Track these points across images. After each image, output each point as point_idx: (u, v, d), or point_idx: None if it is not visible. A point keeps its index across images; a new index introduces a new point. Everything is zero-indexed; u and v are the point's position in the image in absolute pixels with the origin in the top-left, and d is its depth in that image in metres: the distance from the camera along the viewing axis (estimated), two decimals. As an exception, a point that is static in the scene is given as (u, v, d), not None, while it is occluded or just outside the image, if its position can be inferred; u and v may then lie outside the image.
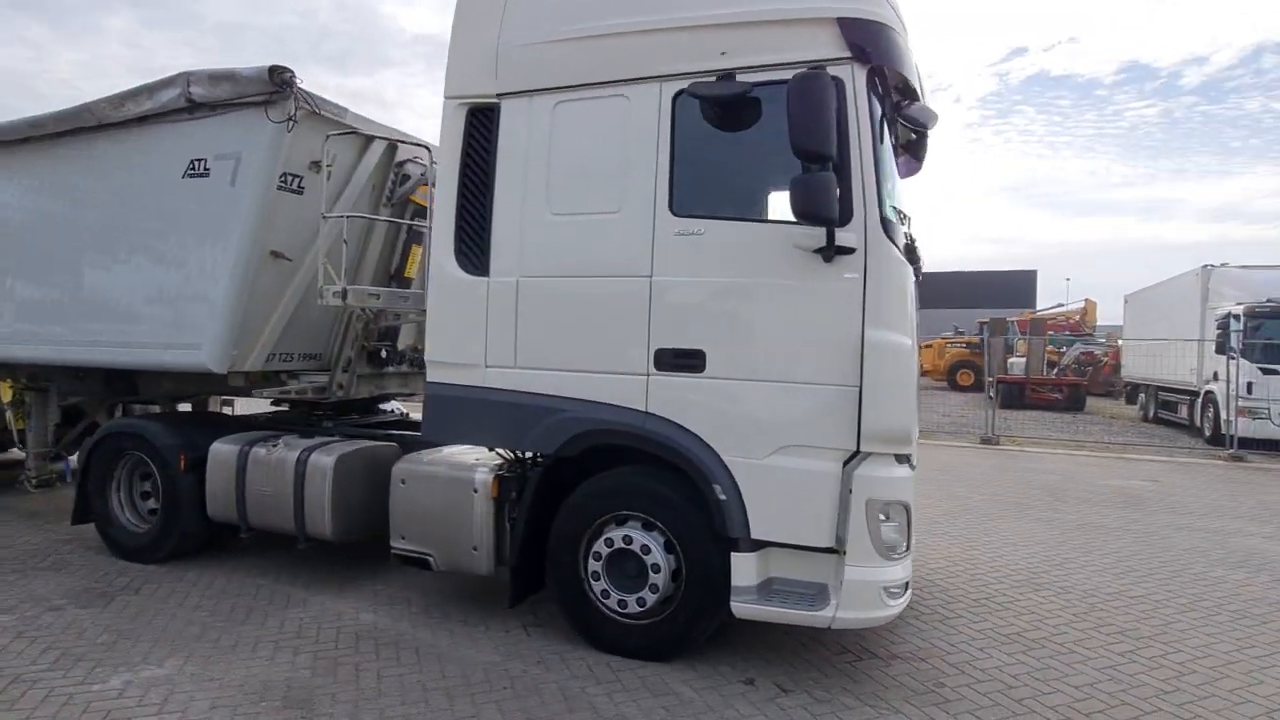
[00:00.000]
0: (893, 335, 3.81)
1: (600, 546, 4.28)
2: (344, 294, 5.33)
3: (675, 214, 4.13)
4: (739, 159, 4.20)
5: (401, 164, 6.23)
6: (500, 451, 4.81)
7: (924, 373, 25.06)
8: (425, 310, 4.86)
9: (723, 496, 3.99)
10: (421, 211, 6.18)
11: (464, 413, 4.64)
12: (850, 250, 3.76)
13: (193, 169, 5.57)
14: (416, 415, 7.01)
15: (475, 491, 4.59)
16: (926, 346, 28.79)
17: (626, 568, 4.27)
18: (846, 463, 3.86)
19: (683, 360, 4.10)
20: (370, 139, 5.96)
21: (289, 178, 5.52)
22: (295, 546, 5.38)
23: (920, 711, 3.79)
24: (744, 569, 3.99)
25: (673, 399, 4.13)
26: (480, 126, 4.62)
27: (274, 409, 6.94)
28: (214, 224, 5.51)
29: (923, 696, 3.95)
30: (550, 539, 4.48)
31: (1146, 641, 4.76)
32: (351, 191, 5.88)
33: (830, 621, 3.85)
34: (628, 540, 4.22)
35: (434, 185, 4.85)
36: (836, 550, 3.92)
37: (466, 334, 4.62)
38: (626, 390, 4.23)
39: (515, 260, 4.49)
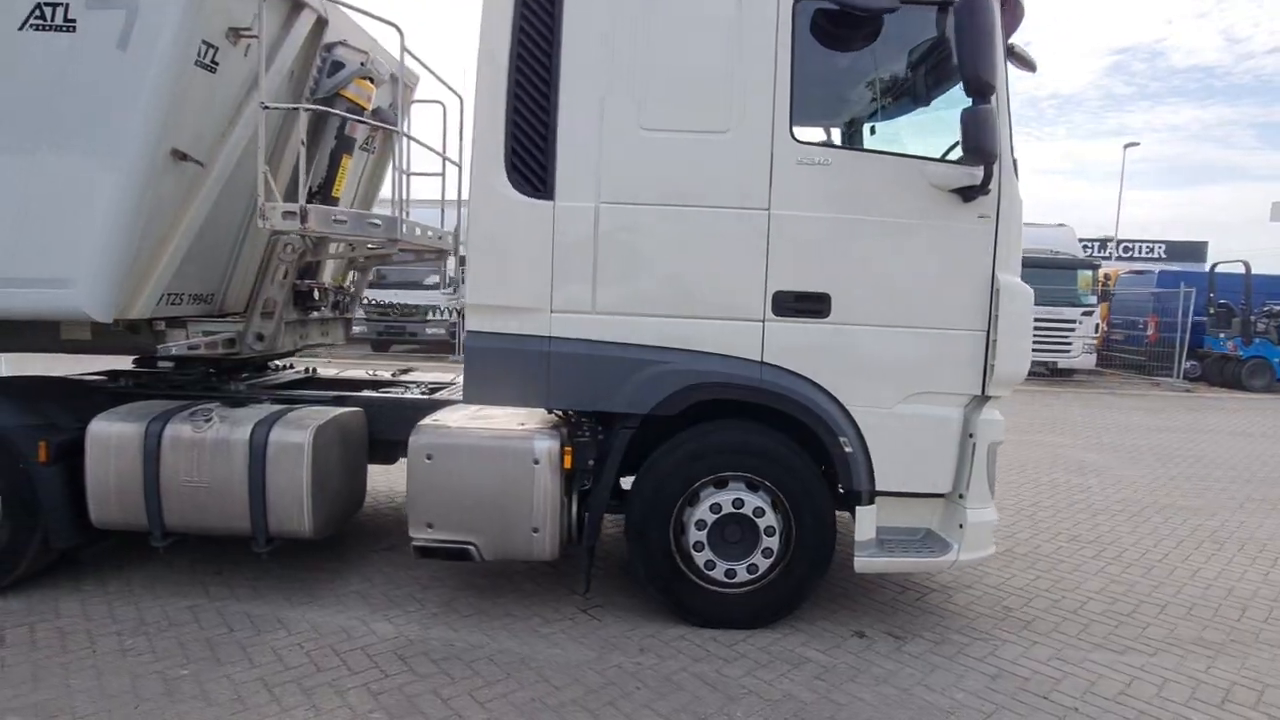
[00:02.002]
0: (1017, 279, 3.80)
1: (703, 513, 3.81)
2: (302, 215, 4.01)
3: (797, 140, 3.66)
4: (868, 82, 3.84)
5: (330, 47, 4.79)
6: (554, 413, 4.03)
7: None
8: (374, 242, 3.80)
9: (848, 449, 3.75)
10: (356, 112, 4.85)
11: (521, 368, 3.78)
12: (987, 190, 3.64)
13: (40, 18, 3.71)
14: (326, 371, 5.72)
15: (536, 463, 3.81)
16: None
17: (727, 533, 3.86)
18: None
19: (805, 304, 3.72)
20: (299, 6, 4.47)
21: (205, 48, 3.94)
22: (152, 546, 4.04)
23: (1021, 636, 3.98)
24: (865, 523, 3.82)
25: (792, 347, 3.74)
26: (540, 1, 3.65)
27: (122, 372, 5.12)
28: (90, 105, 3.76)
29: (1014, 624, 4.16)
30: (633, 509, 3.89)
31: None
32: (271, 79, 4.39)
33: (953, 565, 3.87)
34: (738, 504, 3.81)
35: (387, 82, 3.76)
36: (939, 494, 3.93)
37: (524, 271, 3.74)
38: (738, 338, 3.74)
39: (592, 182, 3.69)
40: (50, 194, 3.79)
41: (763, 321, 3.73)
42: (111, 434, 3.95)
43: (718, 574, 3.85)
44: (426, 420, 4.02)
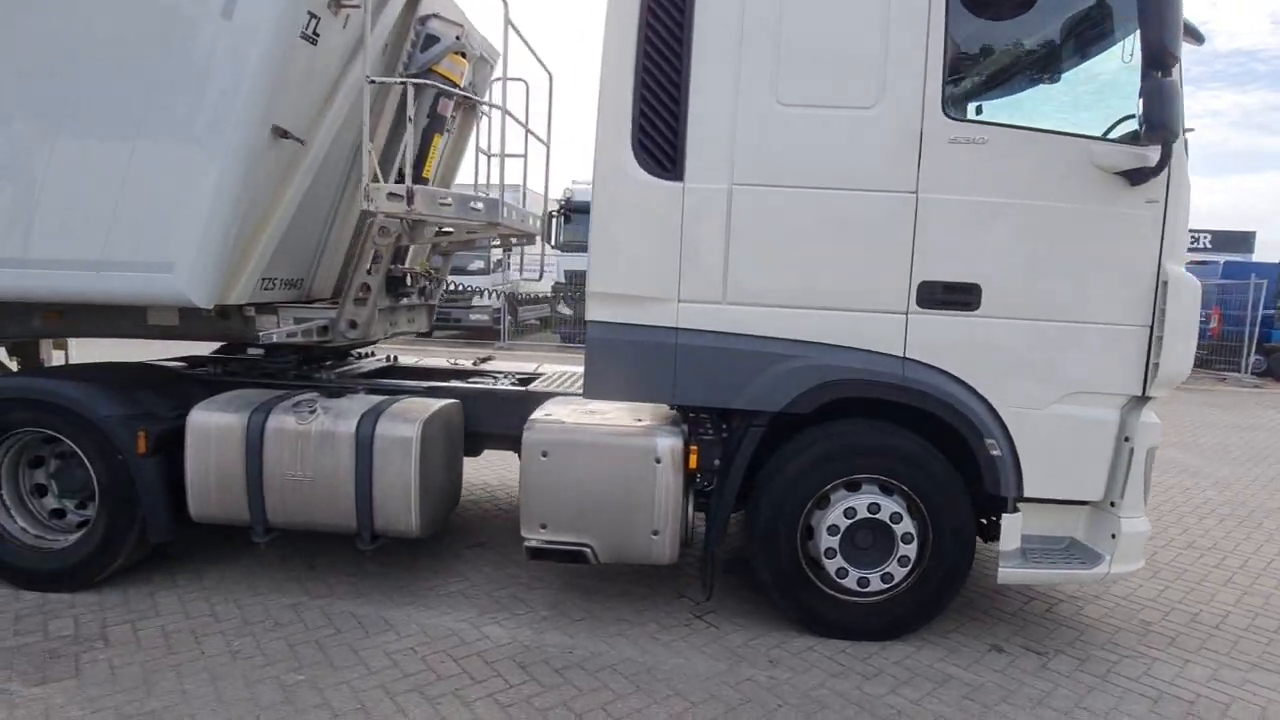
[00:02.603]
0: (1185, 271, 3.49)
1: (835, 518, 3.56)
2: (409, 197, 3.80)
3: (950, 116, 3.37)
4: (1024, 54, 3.54)
5: (424, 20, 4.56)
6: (673, 409, 3.79)
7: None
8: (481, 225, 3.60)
9: (996, 452, 3.48)
10: (446, 90, 4.62)
11: (646, 361, 3.55)
12: (1159, 172, 3.32)
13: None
14: (407, 359, 5.55)
15: (658, 462, 3.59)
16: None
17: (858, 539, 3.62)
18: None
19: (954, 296, 3.44)
20: (396, -23, 4.25)
21: (310, 19, 3.73)
22: (253, 541, 3.90)
23: (1170, 654, 3.71)
24: (1011, 531, 3.55)
25: (938, 342, 3.47)
26: (672, -29, 3.39)
27: (201, 357, 4.98)
28: (192, 77, 3.57)
29: (1158, 639, 3.88)
30: (759, 513, 3.65)
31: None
32: (368, 52, 4.17)
33: (1103, 578, 3.60)
34: (874, 508, 3.56)
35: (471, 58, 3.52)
36: (1088, 502, 3.65)
37: (651, 258, 3.50)
38: (879, 331, 3.48)
39: (725, 161, 3.43)
40: (150, 173, 3.61)
41: (906, 314, 3.46)
42: (212, 425, 3.79)
43: (849, 582, 3.61)
44: (539, 414, 3.81)
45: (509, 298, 15.58)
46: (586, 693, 3.18)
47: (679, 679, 3.31)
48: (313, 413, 3.77)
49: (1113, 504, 3.57)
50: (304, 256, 4.53)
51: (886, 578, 3.61)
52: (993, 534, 3.68)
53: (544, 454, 3.64)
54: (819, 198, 3.43)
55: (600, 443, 3.64)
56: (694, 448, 3.61)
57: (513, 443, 4.75)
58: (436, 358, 5.86)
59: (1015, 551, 3.58)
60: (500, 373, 5.19)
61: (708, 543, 3.67)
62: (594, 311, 3.57)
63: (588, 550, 3.68)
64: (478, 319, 16.15)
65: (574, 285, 15.02)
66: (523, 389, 4.55)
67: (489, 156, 5.25)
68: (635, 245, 3.51)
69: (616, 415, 3.84)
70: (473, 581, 4.24)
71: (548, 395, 4.37)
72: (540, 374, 5.11)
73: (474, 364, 5.53)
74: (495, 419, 4.44)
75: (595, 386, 3.62)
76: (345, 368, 4.98)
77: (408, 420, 3.77)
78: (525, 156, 5.27)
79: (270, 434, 3.75)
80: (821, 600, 3.69)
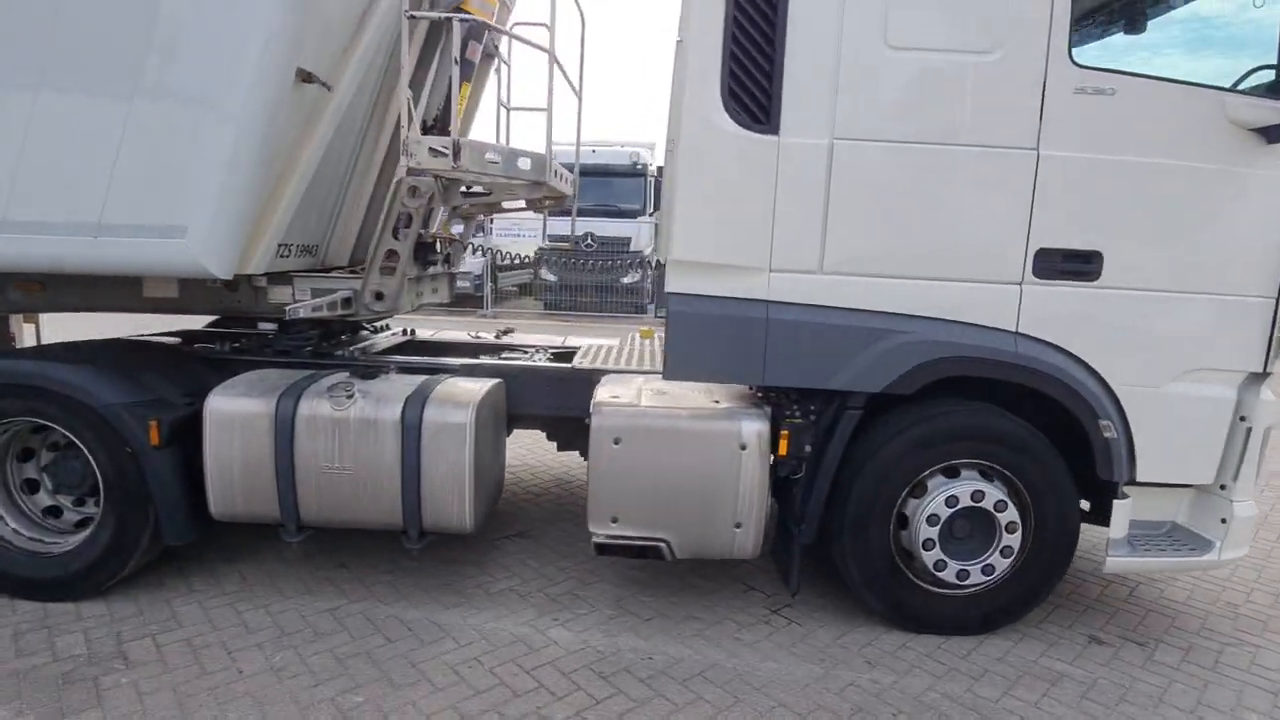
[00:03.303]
0: None
1: (935, 507, 3.28)
2: (455, 151, 3.34)
3: (1076, 64, 3.03)
4: (1158, -6, 3.19)
5: (451, -51, 4.03)
6: (751, 391, 3.46)
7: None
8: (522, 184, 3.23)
9: (1110, 434, 3.22)
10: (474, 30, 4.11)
11: (734, 338, 3.19)
12: (1299, 129, 3.04)
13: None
14: (425, 332, 5.10)
15: (743, 449, 3.25)
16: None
17: (955, 529, 3.34)
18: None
19: (1073, 265, 3.14)
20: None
21: (337, -57, 3.21)
22: (285, 541, 3.50)
23: (1268, 640, 3.54)
24: (1120, 518, 3.32)
25: (1053, 315, 3.17)
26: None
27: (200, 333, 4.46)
28: (206, 10, 3.04)
29: (1250, 623, 3.70)
30: (849, 502, 3.35)
31: None
32: (396, -15, 3.66)
33: (1214, 565, 3.40)
34: (978, 496, 3.28)
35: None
36: (1190, 485, 3.44)
37: (740, 221, 3.12)
38: (990, 303, 3.17)
39: (825, 112, 3.05)
40: (159, 122, 3.09)
41: (1020, 284, 3.15)
42: (235, 412, 3.33)
43: (948, 575, 3.34)
44: (604, 396, 3.44)
45: (491, 264, 14.95)
46: (683, 707, 2.87)
47: (777, 687, 3.02)
48: (350, 397, 3.34)
49: (1223, 487, 3.36)
50: (321, 220, 4.04)
51: (988, 569, 3.35)
52: (1087, 519, 3.45)
53: (616, 441, 3.27)
54: (929, 154, 3.07)
55: (679, 428, 3.29)
56: (785, 433, 3.28)
57: (545, 424, 4.40)
58: (453, 330, 5.40)
59: (1123, 540, 3.35)
60: (530, 347, 4.79)
61: (800, 535, 3.36)
62: (675, 282, 3.18)
63: (663, 545, 3.35)
64: (461, 286, 15.46)
65: (558, 250, 14.46)
66: (567, 366, 4.16)
67: (509, 110, 4.79)
68: (722, 207, 3.12)
69: (690, 396, 3.49)
70: (522, 577, 3.88)
71: (595, 372, 3.99)
72: (575, 348, 4.72)
73: (497, 337, 5.11)
74: (537, 399, 4.06)
75: (677, 367, 3.24)
76: (363, 343, 4.52)
77: (459, 405, 3.36)
78: (550, 111, 4.80)
79: (302, 421, 3.31)
80: (914, 594, 3.42)
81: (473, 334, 5.15)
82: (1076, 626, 3.61)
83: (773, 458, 3.32)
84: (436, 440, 3.31)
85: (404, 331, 5.04)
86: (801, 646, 3.34)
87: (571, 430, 4.31)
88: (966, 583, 3.37)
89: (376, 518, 3.40)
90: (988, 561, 3.35)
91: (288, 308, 3.56)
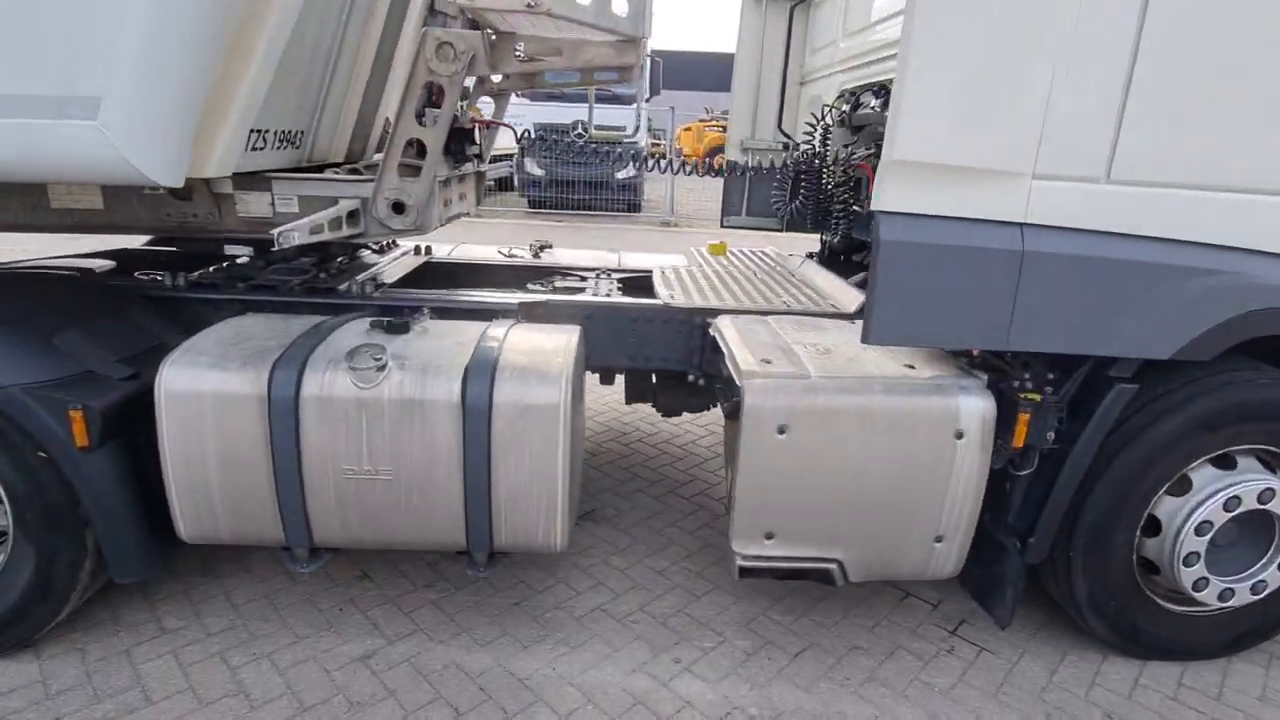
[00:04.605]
0: None
1: (1210, 511, 2.38)
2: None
3: None
4: None
5: None
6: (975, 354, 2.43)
7: (684, 158, 24.12)
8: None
9: None
10: None
11: (972, 280, 2.13)
12: None
13: None
14: (441, 249, 3.94)
15: (959, 437, 2.27)
16: (686, 130, 28.04)
17: (1217, 536, 2.46)
18: None
19: None
20: None
21: None
22: (292, 570, 2.56)
23: None
24: None
25: None
26: None
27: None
28: None
29: None
30: (1090, 504, 2.43)
31: None
32: None
33: None
34: (1266, 496, 2.39)
35: None
36: None
37: (999, 98, 2.00)
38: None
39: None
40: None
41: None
42: (205, 390, 2.19)
43: (1207, 595, 2.49)
44: (748, 359, 2.36)
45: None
46: (905, 817, 2.01)
47: (1013, 765, 2.19)
48: (382, 367, 2.22)
49: None
50: (306, 95, 2.77)
51: (1258, 587, 2.52)
52: None
53: (781, 430, 2.25)
54: (1296, -5, 1.96)
55: (875, 407, 2.27)
56: (1023, 415, 2.29)
57: (622, 377, 3.38)
58: (471, 246, 4.19)
59: None
60: (584, 269, 3.67)
61: (1019, 553, 2.44)
62: (889, 195, 2.07)
63: (834, 568, 2.41)
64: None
65: (546, 140, 12.82)
66: (659, 303, 3.03)
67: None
68: (971, 80, 1.99)
69: (867, 356, 2.45)
70: (611, 587, 2.93)
71: (697, 311, 2.92)
72: (640, 271, 3.61)
73: (533, 254, 3.96)
74: (620, 347, 3.00)
75: (885, 323, 2.17)
76: (368, 269, 3.31)
77: (545, 377, 2.28)
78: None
79: (310, 403, 2.20)
80: (1152, 614, 2.59)
81: (504, 250, 3.98)
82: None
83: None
84: (515, 428, 2.23)
85: (416, 250, 3.83)
86: (1012, 689, 2.50)
87: (659, 387, 3.29)
88: (1227, 603, 2.53)
89: (427, 537, 2.36)
90: (1260, 577, 2.51)
91: (277, 233, 2.34)
